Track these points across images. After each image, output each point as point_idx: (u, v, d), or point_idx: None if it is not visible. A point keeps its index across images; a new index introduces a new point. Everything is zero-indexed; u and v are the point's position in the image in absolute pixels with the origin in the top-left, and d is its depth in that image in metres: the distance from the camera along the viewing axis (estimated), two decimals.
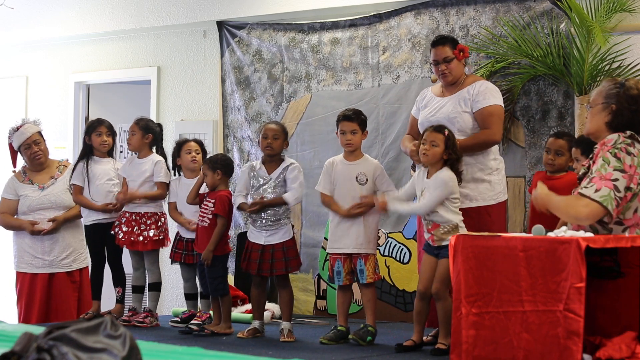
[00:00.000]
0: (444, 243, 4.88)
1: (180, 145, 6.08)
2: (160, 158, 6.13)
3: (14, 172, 6.43)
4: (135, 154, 6.18)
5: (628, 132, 4.08)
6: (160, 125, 6.28)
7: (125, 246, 6.06)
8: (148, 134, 6.09)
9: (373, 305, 5.34)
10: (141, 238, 5.97)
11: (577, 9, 5.82)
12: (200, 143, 6.10)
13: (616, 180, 3.95)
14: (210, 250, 5.54)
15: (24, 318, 6.28)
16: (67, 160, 6.68)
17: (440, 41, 5.24)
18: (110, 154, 6.29)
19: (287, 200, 5.48)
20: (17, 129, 6.31)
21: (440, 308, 4.86)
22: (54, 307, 6.26)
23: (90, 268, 6.34)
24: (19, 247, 6.34)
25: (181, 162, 6.05)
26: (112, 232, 6.05)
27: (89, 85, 8.55)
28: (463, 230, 4.84)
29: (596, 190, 3.94)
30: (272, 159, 5.60)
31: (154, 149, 6.17)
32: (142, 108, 8.10)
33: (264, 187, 5.55)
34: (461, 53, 5.19)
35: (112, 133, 6.26)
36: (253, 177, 5.60)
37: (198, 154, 6.01)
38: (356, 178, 5.36)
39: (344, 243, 5.35)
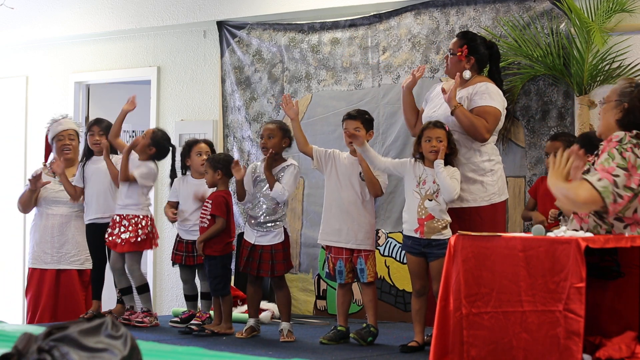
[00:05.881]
0: (433, 237, 4.93)
1: (190, 145, 6.06)
2: (154, 167, 6.08)
3: (44, 164, 6.48)
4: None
5: (634, 132, 4.09)
6: (173, 148, 6.19)
7: (110, 247, 6.05)
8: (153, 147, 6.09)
9: (374, 305, 5.34)
10: (119, 240, 5.95)
11: (576, 10, 5.83)
12: (210, 144, 6.08)
13: (617, 176, 3.93)
14: (200, 241, 5.56)
15: (31, 315, 6.30)
16: None
17: (459, 34, 5.47)
18: (115, 152, 6.29)
19: (273, 193, 5.45)
20: (56, 120, 6.40)
21: None
22: (62, 305, 6.26)
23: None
24: (32, 243, 6.38)
25: (190, 162, 6.03)
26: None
27: (89, 85, 8.55)
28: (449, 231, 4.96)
29: (599, 179, 3.92)
30: (275, 159, 5.58)
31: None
32: (142, 108, 8.08)
33: (262, 183, 5.56)
34: (460, 53, 5.27)
35: (104, 131, 6.25)
36: (255, 175, 5.61)
37: (209, 156, 6.00)
38: (360, 174, 5.39)
39: (344, 238, 5.35)
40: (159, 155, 6.10)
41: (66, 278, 6.29)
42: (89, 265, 6.35)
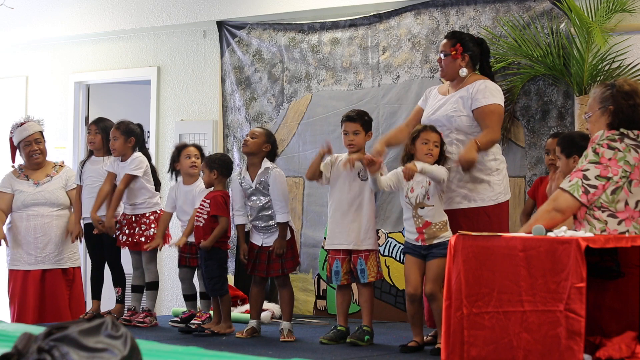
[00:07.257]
0: (435, 241, 4.91)
1: (179, 149, 6.06)
2: (139, 154, 6.11)
3: (12, 167, 6.48)
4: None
5: (618, 131, 4.14)
6: (140, 126, 6.29)
7: (128, 248, 6.08)
8: (130, 137, 6.09)
9: (370, 305, 5.34)
10: (143, 239, 5.99)
11: (576, 10, 5.82)
12: (199, 148, 6.07)
13: (587, 170, 4.07)
14: (205, 245, 5.53)
15: (18, 318, 6.27)
16: (63, 161, 6.70)
17: (448, 35, 5.38)
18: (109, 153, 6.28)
19: (282, 221, 5.49)
20: (20, 125, 6.38)
21: (435, 308, 4.86)
22: (48, 305, 6.27)
23: (83, 269, 6.38)
24: (12, 244, 6.35)
25: (180, 166, 6.03)
26: (114, 236, 6.08)
27: (89, 85, 8.55)
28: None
29: (569, 181, 4.10)
30: (253, 163, 5.61)
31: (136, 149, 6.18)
32: (142, 108, 8.10)
33: (252, 197, 5.59)
34: (454, 52, 5.21)
35: (100, 131, 6.26)
36: (243, 184, 5.63)
37: (197, 159, 5.98)
38: (358, 174, 5.38)
39: (344, 239, 5.35)
40: (138, 143, 6.14)
41: (51, 278, 6.31)
42: (71, 264, 6.40)
